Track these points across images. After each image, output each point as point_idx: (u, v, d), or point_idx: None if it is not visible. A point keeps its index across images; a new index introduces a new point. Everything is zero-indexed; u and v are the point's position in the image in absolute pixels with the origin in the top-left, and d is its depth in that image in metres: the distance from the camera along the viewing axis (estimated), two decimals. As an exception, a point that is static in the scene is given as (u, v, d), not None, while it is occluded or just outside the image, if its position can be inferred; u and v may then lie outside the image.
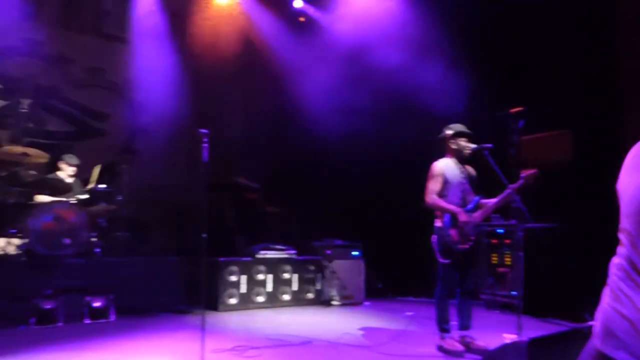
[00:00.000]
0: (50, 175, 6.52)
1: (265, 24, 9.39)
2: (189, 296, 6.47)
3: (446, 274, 4.65)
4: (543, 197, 5.36)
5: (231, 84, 9.37)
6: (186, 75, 8.82)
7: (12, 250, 5.74)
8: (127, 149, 8.50)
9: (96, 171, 6.82)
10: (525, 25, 6.93)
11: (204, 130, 4.24)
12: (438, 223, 4.71)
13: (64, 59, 8.28)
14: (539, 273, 5.56)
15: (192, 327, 5.44)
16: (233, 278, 6.71)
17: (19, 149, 6.11)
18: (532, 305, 5.64)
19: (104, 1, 8.79)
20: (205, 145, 4.27)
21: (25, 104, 7.79)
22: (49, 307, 5.36)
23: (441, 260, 4.63)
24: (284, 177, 8.72)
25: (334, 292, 7.37)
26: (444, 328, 4.68)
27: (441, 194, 4.67)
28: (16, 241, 5.79)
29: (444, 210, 4.65)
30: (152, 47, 8.85)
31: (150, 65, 8.71)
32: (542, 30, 6.83)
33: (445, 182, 4.70)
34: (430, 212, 4.83)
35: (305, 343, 4.94)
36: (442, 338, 4.67)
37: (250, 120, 9.57)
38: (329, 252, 7.52)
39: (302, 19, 9.51)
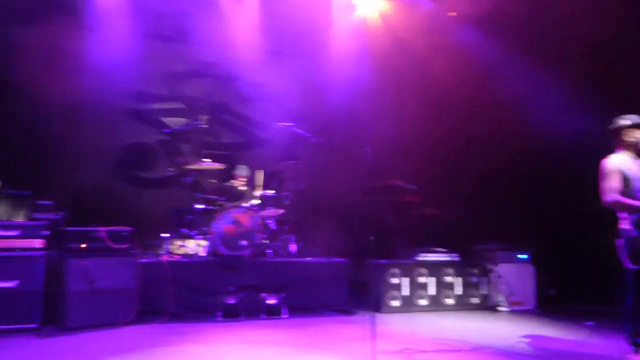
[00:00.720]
0: (227, 183, 7.21)
1: (415, 21, 9.27)
2: (353, 297, 6.68)
3: (638, 282, 4.16)
4: None
5: (383, 87, 9.44)
6: (340, 81, 9.11)
7: (200, 251, 6.47)
8: (290, 156, 9.04)
9: (260, 176, 7.34)
10: None
11: (366, 135, 4.34)
12: (625, 225, 4.24)
13: (232, 76, 9.11)
14: None
15: (359, 327, 5.59)
16: (395, 280, 6.76)
17: (202, 160, 6.86)
18: None
19: (265, 21, 9.44)
20: (368, 149, 4.37)
21: (203, 120, 8.73)
22: (232, 302, 5.93)
23: (631, 266, 4.15)
24: (441, 178, 8.55)
25: (501, 298, 7.03)
26: (636, 342, 4.19)
27: (622, 192, 4.21)
28: (203, 243, 6.52)
29: (632, 209, 4.17)
30: (309, 58, 9.31)
31: (308, 76, 9.17)
32: None
33: (624, 179, 4.22)
34: (610, 213, 4.36)
35: (475, 349, 4.78)
36: (636, 352, 4.18)
37: (404, 122, 9.54)
38: (493, 255, 7.20)
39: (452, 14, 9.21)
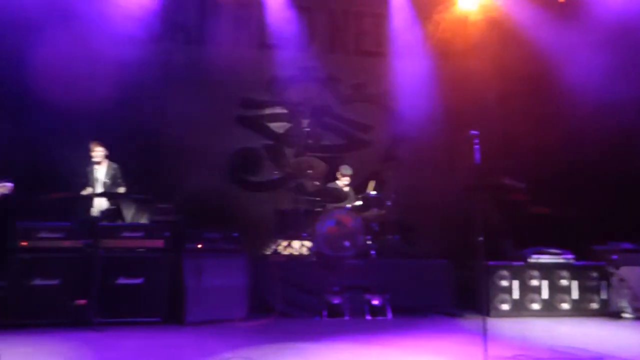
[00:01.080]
0: (330, 185, 7.35)
1: (519, 12, 8.82)
2: (459, 299, 6.50)
3: None
4: None
5: (489, 81, 9.08)
6: (442, 79, 8.92)
7: (305, 251, 6.66)
8: (391, 156, 9.01)
9: (371, 185, 7.37)
10: None
11: (474, 132, 4.21)
12: None
13: (332, 79, 9.27)
14: None
15: (466, 330, 5.44)
16: (504, 283, 6.48)
17: (305, 163, 7.06)
18: None
19: (363, 22, 9.51)
20: (477, 146, 4.24)
21: (305, 123, 8.97)
22: (336, 302, 6.05)
23: None
24: (552, 175, 8.05)
25: (624, 303, 6.46)
26: None
27: None
28: (307, 243, 6.71)
29: None
30: (408, 56, 9.20)
31: (406, 75, 9.07)
32: None
33: None
34: None
35: (597, 359, 4.44)
36: None
37: (509, 118, 9.12)
38: (614, 257, 6.64)
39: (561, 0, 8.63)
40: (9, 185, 2.86)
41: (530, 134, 8.62)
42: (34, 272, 5.56)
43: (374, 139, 9.19)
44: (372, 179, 7.57)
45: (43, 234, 5.72)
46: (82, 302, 5.42)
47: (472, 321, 6.04)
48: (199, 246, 5.97)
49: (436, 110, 8.77)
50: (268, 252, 6.79)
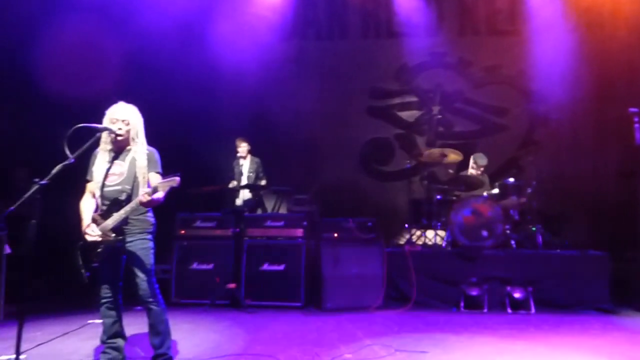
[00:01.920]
0: (464, 173, 7.13)
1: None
2: (615, 294, 5.93)
3: None
4: None
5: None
6: (584, 56, 8.15)
7: (439, 241, 6.56)
8: (529, 140, 8.47)
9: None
10: None
11: (634, 109, 3.81)
12: None
13: (463, 62, 8.93)
14: None
15: (624, 328, 4.98)
16: (670, 278, 5.78)
17: (438, 151, 6.92)
18: None
19: (494, 0, 9.00)
20: (637, 125, 3.83)
21: (436, 110, 8.79)
22: (474, 293, 5.87)
23: None
24: None
25: None
26: None
27: None
28: (442, 233, 6.59)
29: None
30: (545, 33, 8.54)
31: (544, 52, 8.43)
32: None
33: None
34: None
35: None
36: None
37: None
38: None
39: None
40: (177, 179, 3.21)
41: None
42: (191, 257, 6.22)
43: (510, 122, 8.69)
44: (510, 165, 7.19)
45: (198, 224, 6.36)
46: (232, 285, 5.92)
47: (630, 319, 5.50)
48: (335, 235, 6.17)
49: (580, 88, 8.03)
50: (402, 241, 6.79)
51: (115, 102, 3.60)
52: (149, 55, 7.82)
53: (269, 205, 7.50)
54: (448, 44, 8.93)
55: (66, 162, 2.97)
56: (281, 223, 6.33)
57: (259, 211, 7.17)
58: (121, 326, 3.67)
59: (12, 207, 2.79)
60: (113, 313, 3.60)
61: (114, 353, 3.61)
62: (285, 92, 8.72)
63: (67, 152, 2.99)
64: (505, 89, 8.83)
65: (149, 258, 3.53)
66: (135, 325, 4.28)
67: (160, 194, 3.34)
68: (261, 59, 8.48)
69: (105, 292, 3.57)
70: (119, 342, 3.65)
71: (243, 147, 7.20)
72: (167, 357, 3.57)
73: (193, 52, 8.34)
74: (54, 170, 2.93)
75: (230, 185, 7.03)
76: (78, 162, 3.16)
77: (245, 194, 7.15)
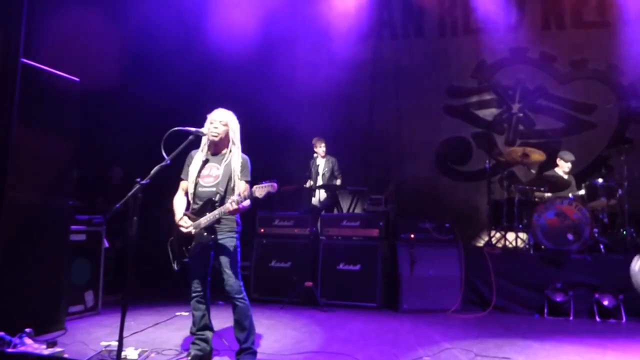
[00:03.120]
0: (548, 173, 6.84)
1: None
2: None
3: None
4: None
5: None
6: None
7: (520, 244, 6.33)
8: (620, 138, 7.96)
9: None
10: None
11: None
12: None
13: (547, 58, 8.55)
14: None
15: None
16: None
17: (519, 150, 6.68)
18: None
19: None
20: None
21: (516, 108, 8.48)
22: (559, 299, 5.62)
23: None
24: None
25: None
26: None
27: None
28: (523, 235, 6.36)
29: None
30: (638, 23, 7.99)
31: (637, 44, 7.89)
32: None
33: None
34: None
35: None
36: None
37: None
38: None
39: None
40: (275, 185, 3.33)
41: None
42: (270, 255, 6.41)
43: (598, 120, 8.22)
44: (598, 165, 6.81)
45: (277, 222, 6.55)
46: (309, 284, 6.05)
47: None
48: (412, 236, 6.14)
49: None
50: (481, 243, 6.63)
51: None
52: (230, 57, 8.16)
53: (345, 205, 7.58)
54: (530, 39, 8.59)
55: (163, 164, 3.17)
56: (357, 223, 6.37)
57: (335, 211, 7.27)
58: (209, 319, 3.85)
59: (117, 205, 2.99)
60: (202, 307, 3.77)
61: (203, 344, 3.79)
62: (362, 92, 8.77)
63: (164, 153, 3.19)
64: (592, 84, 8.36)
65: (236, 256, 3.67)
66: (219, 318, 4.49)
67: (247, 202, 3.48)
68: (338, 60, 8.58)
69: (196, 286, 3.75)
70: (207, 334, 3.82)
71: (320, 147, 7.32)
72: (251, 351, 3.71)
73: (273, 55, 8.58)
74: (153, 171, 3.13)
75: (307, 185, 7.18)
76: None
77: (321, 194, 7.27)
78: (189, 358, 3.71)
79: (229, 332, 4.53)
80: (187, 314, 5.49)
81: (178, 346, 4.27)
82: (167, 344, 4.27)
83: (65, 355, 3.76)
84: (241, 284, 3.68)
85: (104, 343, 4.03)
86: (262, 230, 6.58)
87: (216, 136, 3.64)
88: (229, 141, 3.71)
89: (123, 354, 3.40)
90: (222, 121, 3.67)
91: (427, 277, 5.92)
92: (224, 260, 3.63)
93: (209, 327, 3.85)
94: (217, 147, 3.73)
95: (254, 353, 3.74)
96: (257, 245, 6.50)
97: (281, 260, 6.39)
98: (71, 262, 5.04)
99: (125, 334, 3.13)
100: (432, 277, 5.93)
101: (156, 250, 4.20)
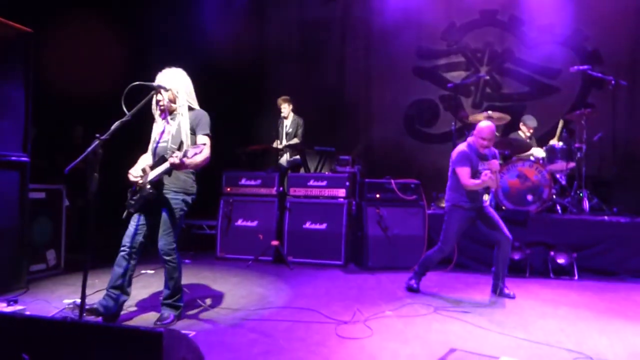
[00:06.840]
0: (511, 136, 6.96)
1: None
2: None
3: None
4: None
5: None
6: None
7: (483, 204, 6.47)
8: (583, 103, 8.15)
9: (560, 126, 6.84)
10: None
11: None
12: None
13: (515, 21, 8.58)
14: None
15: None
16: None
17: (484, 113, 6.74)
18: None
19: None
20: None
21: (483, 71, 8.54)
22: (517, 258, 5.82)
23: None
24: None
25: None
26: None
27: None
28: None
29: None
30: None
31: (604, 11, 7.98)
32: None
33: None
34: None
35: None
36: None
37: None
38: None
39: None
40: (202, 147, 3.31)
41: None
42: (236, 214, 6.41)
43: (562, 84, 8.37)
44: (563, 126, 6.98)
45: (243, 182, 6.53)
46: (276, 242, 6.09)
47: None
48: (378, 196, 6.21)
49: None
50: (444, 204, 6.74)
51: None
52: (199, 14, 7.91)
53: (312, 165, 7.58)
54: (500, 1, 8.59)
55: (124, 119, 3.09)
56: (324, 183, 6.40)
57: (302, 171, 7.28)
58: (129, 282, 3.68)
59: (74, 162, 2.91)
60: (124, 264, 3.61)
61: (111, 303, 3.61)
62: (330, 52, 8.65)
63: (125, 109, 3.11)
64: (559, 49, 8.47)
65: (175, 216, 3.62)
66: (190, 275, 4.50)
67: (196, 159, 3.44)
68: (305, 19, 8.41)
69: (126, 241, 3.63)
70: (121, 296, 3.65)
71: (284, 107, 7.25)
72: (172, 305, 3.72)
73: (243, 14, 8.34)
74: (113, 126, 3.05)
75: (274, 145, 7.13)
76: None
77: (289, 154, 7.24)
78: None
79: (202, 291, 4.58)
80: (152, 272, 5.48)
81: (139, 302, 4.27)
82: (131, 301, 4.26)
83: (27, 313, 3.72)
84: (174, 246, 3.64)
85: (66, 301, 4.00)
86: (228, 189, 6.55)
87: (162, 106, 3.64)
88: (176, 100, 3.68)
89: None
90: (164, 88, 3.61)
91: (392, 236, 6.05)
92: (163, 218, 3.61)
93: (125, 289, 3.66)
94: (171, 107, 3.70)
95: (176, 308, 3.74)
96: (224, 204, 6.49)
97: (247, 219, 6.40)
98: (31, 220, 4.93)
99: (88, 291, 3.10)
100: (397, 236, 6.06)
101: (120, 208, 4.14)
